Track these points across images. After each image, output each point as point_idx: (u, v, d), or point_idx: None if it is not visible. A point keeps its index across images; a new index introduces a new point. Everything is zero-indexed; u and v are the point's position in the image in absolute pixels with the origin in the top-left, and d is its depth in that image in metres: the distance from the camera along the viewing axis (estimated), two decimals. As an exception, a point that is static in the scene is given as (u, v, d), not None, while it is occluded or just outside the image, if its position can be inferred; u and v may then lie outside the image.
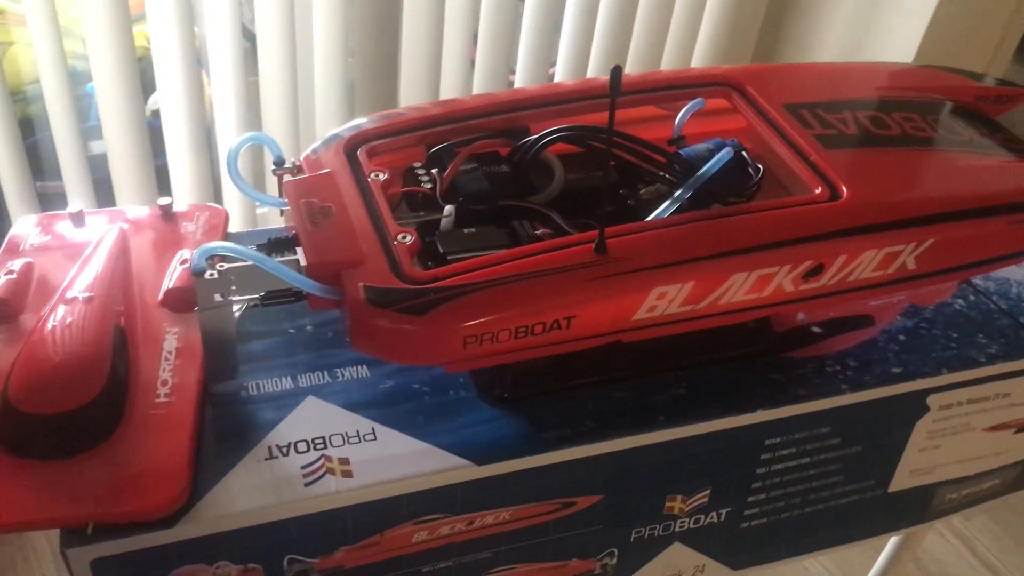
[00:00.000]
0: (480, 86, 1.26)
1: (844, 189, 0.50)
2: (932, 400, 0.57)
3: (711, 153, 0.52)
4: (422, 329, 0.44)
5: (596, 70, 1.33)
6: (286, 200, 0.49)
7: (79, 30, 1.00)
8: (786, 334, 0.55)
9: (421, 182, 0.51)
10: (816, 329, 0.56)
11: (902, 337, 0.57)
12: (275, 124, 1.13)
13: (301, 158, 0.52)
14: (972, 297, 0.61)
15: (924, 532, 0.69)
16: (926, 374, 0.55)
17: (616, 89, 0.41)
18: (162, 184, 1.11)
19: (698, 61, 1.44)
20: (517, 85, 1.30)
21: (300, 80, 1.13)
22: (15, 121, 1.00)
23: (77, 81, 1.19)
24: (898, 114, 0.56)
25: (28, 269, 0.52)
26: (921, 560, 1.19)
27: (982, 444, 0.62)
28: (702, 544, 0.58)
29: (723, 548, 0.59)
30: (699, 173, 0.50)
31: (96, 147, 1.16)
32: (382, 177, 0.50)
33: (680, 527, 0.56)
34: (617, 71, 0.41)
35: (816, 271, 0.48)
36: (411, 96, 1.20)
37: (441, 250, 0.47)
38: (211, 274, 0.45)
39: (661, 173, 0.51)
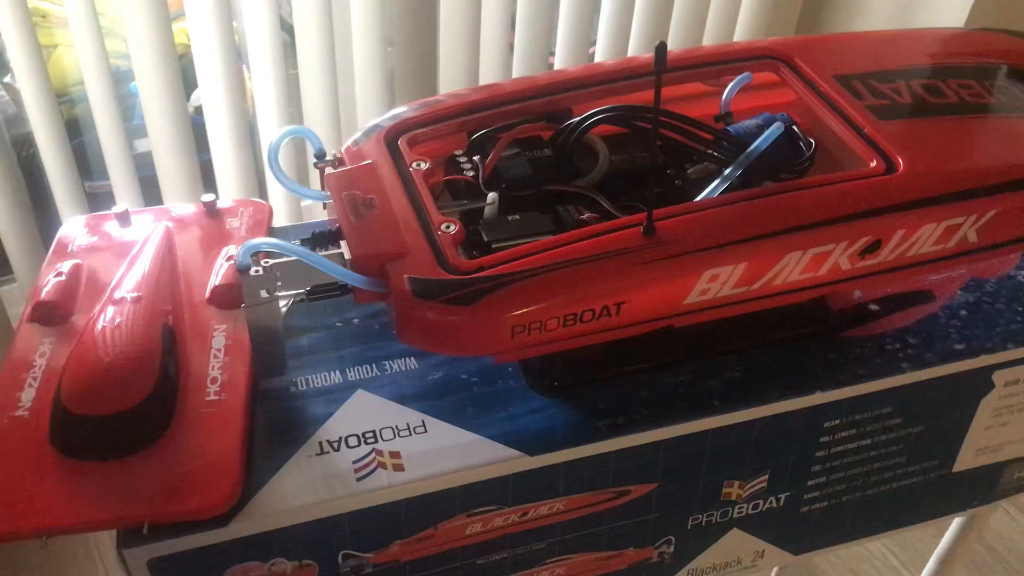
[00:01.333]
0: (519, 70, 1.25)
1: (900, 161, 0.48)
2: (997, 376, 0.55)
3: (760, 129, 0.50)
4: (469, 320, 0.43)
5: (636, 48, 1.31)
6: (328, 193, 0.49)
7: (122, 30, 1.01)
8: (843, 313, 0.54)
9: (463, 170, 0.51)
10: (874, 307, 0.54)
11: (964, 312, 0.56)
12: (316, 116, 1.13)
13: (342, 150, 0.51)
14: (1036, 268, 0.59)
15: (991, 511, 0.67)
16: (990, 350, 0.53)
17: (661, 66, 0.40)
18: (207, 180, 1.12)
19: (740, 34, 1.41)
20: (557, 66, 1.29)
21: (340, 71, 1.13)
22: (62, 123, 1.01)
23: (121, 80, 1.21)
24: (954, 81, 0.54)
25: (76, 270, 0.53)
26: (985, 538, 1.16)
27: (1051, 420, 0.60)
28: (761, 530, 0.56)
29: (783, 533, 0.58)
30: (749, 150, 0.48)
31: (141, 145, 1.17)
32: (424, 166, 0.49)
33: (738, 513, 0.55)
34: (662, 47, 0.40)
35: (873, 247, 0.47)
36: (451, 84, 1.19)
37: (486, 239, 0.46)
38: (256, 270, 0.44)
39: (709, 151, 0.49)
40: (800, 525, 0.57)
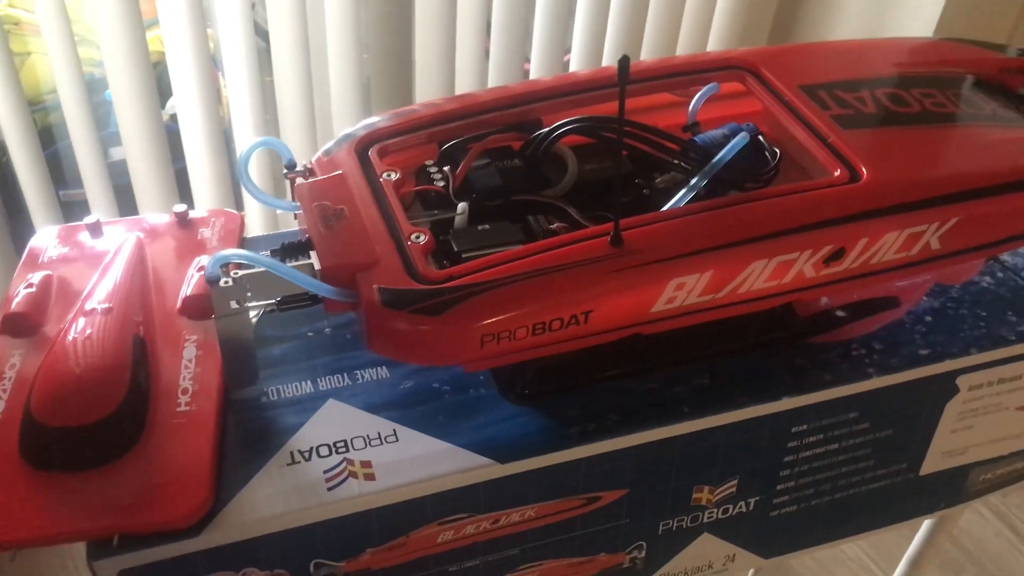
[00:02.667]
0: (495, 75, 1.26)
1: (864, 170, 0.49)
2: (962, 381, 0.56)
3: (726, 139, 0.51)
4: (438, 329, 0.43)
5: (611, 55, 1.32)
6: (299, 204, 0.49)
7: (96, 37, 1.01)
8: (810, 319, 0.54)
9: (434, 180, 0.51)
10: (840, 313, 0.55)
11: (929, 318, 0.56)
12: (292, 123, 1.13)
13: (312, 160, 0.51)
14: (1000, 274, 0.60)
15: (960, 512, 0.68)
16: (955, 355, 0.54)
17: (624, 79, 0.41)
18: (182, 188, 1.12)
19: (714, 42, 1.42)
20: (532, 73, 1.30)
21: (315, 78, 1.13)
22: (35, 131, 1.00)
23: (95, 88, 1.20)
24: (917, 90, 0.55)
25: (47, 281, 0.53)
26: (958, 538, 1.18)
27: (1015, 423, 0.60)
28: (731, 534, 0.57)
29: (753, 537, 0.58)
30: (714, 160, 0.49)
31: (117, 153, 1.17)
32: (394, 177, 0.50)
33: (708, 518, 0.55)
34: (625, 61, 0.40)
35: (837, 255, 0.47)
36: (426, 89, 1.20)
37: (455, 248, 0.47)
38: (226, 281, 0.45)
39: (676, 161, 0.50)
40: (770, 529, 0.58)
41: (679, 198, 0.48)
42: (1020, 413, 0.60)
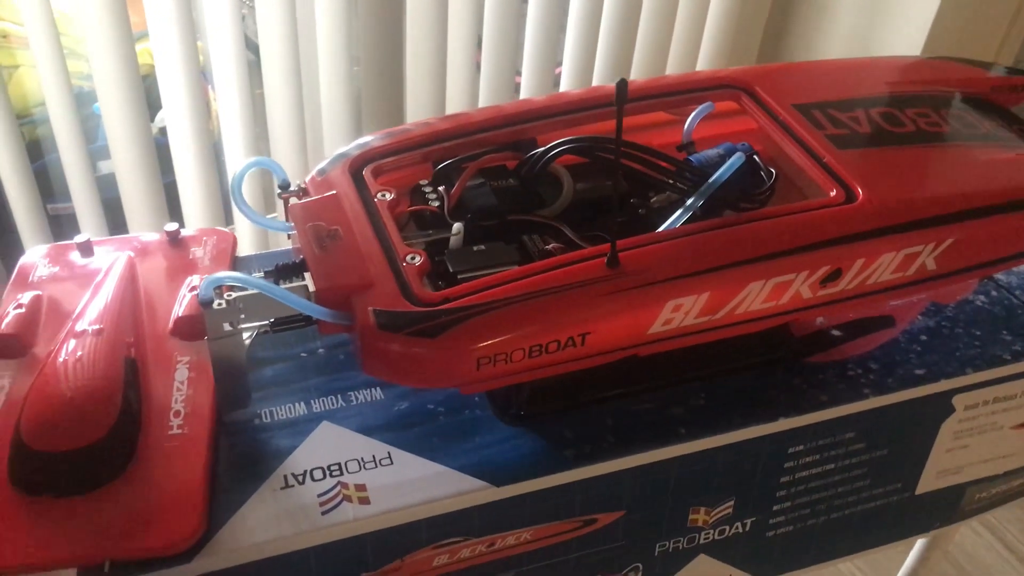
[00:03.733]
0: (486, 89, 1.25)
1: (860, 191, 0.49)
2: (957, 400, 0.56)
3: (722, 159, 0.51)
4: (434, 352, 0.43)
5: (602, 68, 1.32)
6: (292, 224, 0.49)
7: (85, 50, 1.00)
8: (806, 338, 0.54)
9: (428, 200, 0.51)
10: (836, 332, 0.55)
11: (924, 337, 0.56)
12: (282, 137, 1.12)
13: (306, 180, 0.51)
14: (994, 293, 0.60)
15: (954, 531, 0.68)
16: (950, 374, 0.54)
17: (623, 100, 0.41)
18: (172, 201, 1.11)
19: (704, 59, 1.42)
20: (523, 86, 1.29)
21: (306, 91, 1.12)
22: (23, 145, 1.00)
23: (85, 102, 1.19)
24: (911, 110, 0.55)
25: (37, 302, 0.52)
26: (950, 553, 1.18)
27: (1010, 442, 0.60)
28: (728, 555, 0.57)
29: (749, 557, 0.58)
30: (710, 181, 0.49)
31: (106, 167, 1.16)
32: (389, 197, 0.49)
33: (705, 539, 0.55)
34: (623, 84, 0.40)
35: (834, 276, 0.47)
36: (417, 102, 1.19)
37: (451, 269, 0.46)
38: (219, 303, 0.44)
39: (671, 181, 0.50)
40: (766, 549, 0.58)
41: (675, 219, 0.48)
42: (1015, 432, 0.60)
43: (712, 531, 0.55)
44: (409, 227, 0.50)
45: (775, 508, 0.56)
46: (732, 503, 0.54)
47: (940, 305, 0.58)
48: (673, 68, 1.39)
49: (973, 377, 0.55)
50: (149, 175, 1.06)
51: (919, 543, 0.76)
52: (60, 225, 1.18)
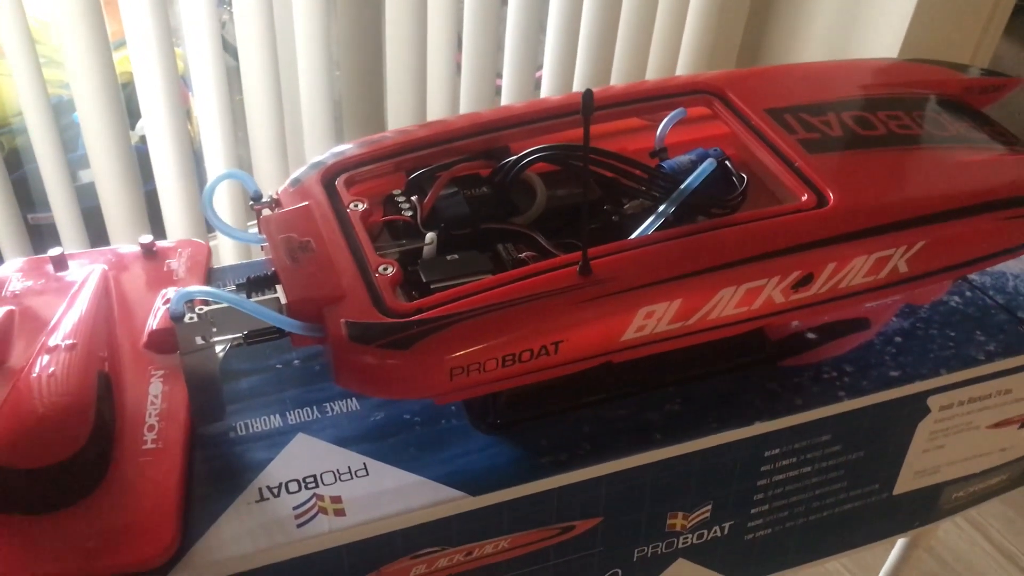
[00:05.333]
0: (467, 90, 1.25)
1: (830, 195, 0.49)
2: (932, 401, 0.56)
3: (694, 165, 0.51)
4: (407, 363, 0.43)
5: (582, 71, 1.32)
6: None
7: (64, 59, 0.99)
8: (781, 342, 0.54)
9: (401, 210, 0.51)
10: (811, 335, 0.55)
11: (899, 339, 0.57)
12: (262, 142, 1.12)
13: (278, 191, 0.51)
14: (968, 293, 0.60)
15: (933, 529, 0.68)
16: (924, 376, 0.55)
17: (588, 111, 0.41)
18: (153, 210, 1.11)
19: (683, 61, 1.42)
20: (504, 88, 1.29)
21: (286, 96, 1.12)
22: (0, 155, 0.99)
23: (65, 110, 1.19)
24: (883, 113, 0.56)
25: (10, 317, 0.52)
26: (935, 549, 1.18)
27: (986, 441, 0.61)
28: (707, 559, 0.57)
29: (728, 561, 0.58)
30: (681, 187, 0.49)
31: (86, 176, 1.16)
32: (361, 207, 0.49)
33: (683, 543, 0.55)
34: (589, 94, 0.40)
35: (805, 281, 0.48)
36: (398, 106, 1.19)
37: (424, 279, 0.46)
38: (191, 317, 0.44)
39: (643, 188, 0.50)
40: (745, 552, 0.58)
41: (647, 226, 0.48)
42: (991, 431, 0.60)
43: (691, 535, 0.55)
44: (383, 237, 0.50)
45: (753, 511, 0.56)
46: (710, 507, 0.54)
47: (914, 306, 0.59)
48: (653, 70, 1.40)
49: (947, 378, 0.55)
50: (129, 184, 1.05)
51: (899, 543, 0.77)
52: (41, 235, 1.18)
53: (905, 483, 0.60)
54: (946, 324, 0.58)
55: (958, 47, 1.37)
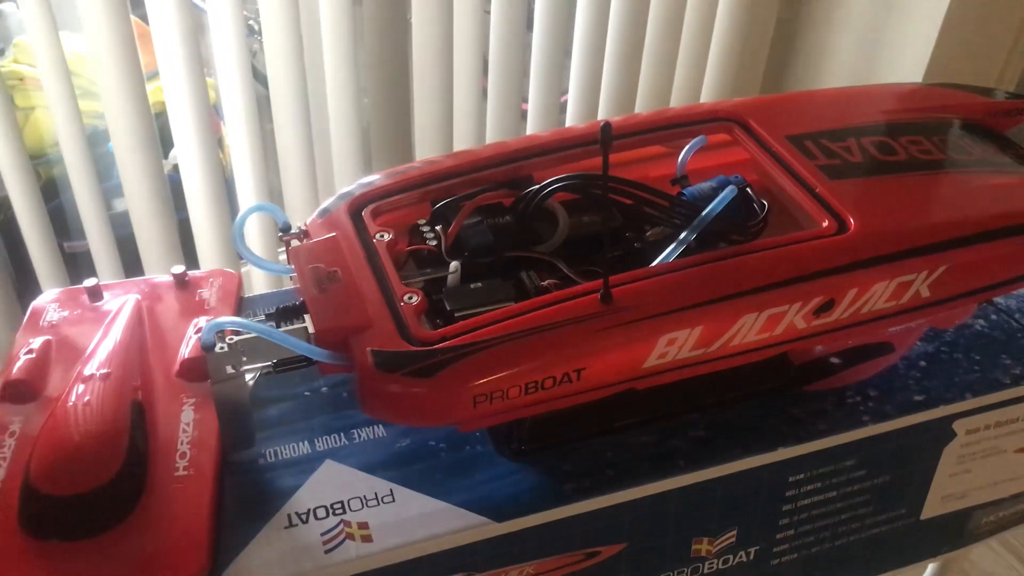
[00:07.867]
0: (493, 115, 1.27)
1: (851, 221, 0.49)
2: (958, 425, 0.56)
3: (715, 192, 0.51)
4: (431, 391, 0.44)
5: (608, 95, 1.33)
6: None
7: (99, 89, 1.02)
8: (804, 367, 0.55)
9: (426, 239, 0.52)
10: (835, 360, 0.55)
11: (923, 363, 0.57)
12: (293, 171, 1.14)
13: (307, 222, 0.52)
14: (994, 316, 0.60)
15: (964, 554, 0.68)
16: (949, 400, 0.54)
17: (608, 142, 0.41)
18: (186, 238, 1.13)
19: (708, 85, 1.43)
20: (530, 113, 1.31)
21: (315, 123, 1.14)
22: (37, 186, 1.01)
23: (98, 141, 1.21)
24: (904, 138, 0.56)
25: (47, 347, 0.53)
26: (968, 573, 1.17)
27: (1015, 466, 0.60)
28: (733, 583, 0.57)
29: (755, 586, 0.58)
30: (703, 215, 0.49)
31: (120, 205, 1.18)
32: (387, 237, 0.50)
33: (709, 569, 0.55)
34: (607, 127, 0.41)
35: (827, 306, 0.48)
36: (425, 131, 1.21)
37: (448, 308, 0.47)
38: (222, 347, 0.45)
39: (664, 216, 0.51)
40: (771, 577, 0.58)
41: (668, 253, 0.49)
42: (1019, 456, 0.60)
43: (716, 560, 0.55)
44: (408, 266, 0.51)
45: (779, 536, 0.56)
46: (735, 532, 0.54)
47: (939, 330, 0.58)
48: (678, 95, 1.40)
49: (973, 402, 0.55)
50: (162, 212, 1.07)
51: (931, 565, 0.76)
52: (77, 263, 1.20)
53: (932, 508, 0.60)
54: (971, 348, 0.58)
55: (984, 71, 1.37)
